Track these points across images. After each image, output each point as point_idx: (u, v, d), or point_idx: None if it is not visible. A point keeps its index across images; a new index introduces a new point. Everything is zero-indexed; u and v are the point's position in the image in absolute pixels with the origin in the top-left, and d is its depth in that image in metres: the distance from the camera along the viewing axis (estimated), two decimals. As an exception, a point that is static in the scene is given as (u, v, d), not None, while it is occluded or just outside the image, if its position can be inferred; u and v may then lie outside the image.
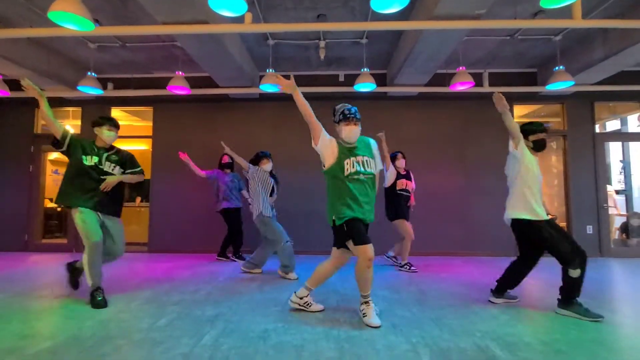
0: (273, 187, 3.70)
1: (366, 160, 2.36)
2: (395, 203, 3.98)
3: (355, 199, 2.28)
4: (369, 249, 2.19)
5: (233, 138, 5.35)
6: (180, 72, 4.28)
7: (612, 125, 6.28)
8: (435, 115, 5.31)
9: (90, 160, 2.66)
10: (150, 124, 5.51)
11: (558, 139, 5.48)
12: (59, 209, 6.67)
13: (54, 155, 7.43)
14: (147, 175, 5.81)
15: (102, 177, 2.68)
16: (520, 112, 5.72)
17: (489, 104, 5.60)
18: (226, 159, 4.54)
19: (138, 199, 6.77)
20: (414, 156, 5.17)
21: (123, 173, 2.81)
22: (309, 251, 4.91)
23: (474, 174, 5.20)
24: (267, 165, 3.65)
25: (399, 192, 3.98)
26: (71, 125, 5.83)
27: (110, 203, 2.75)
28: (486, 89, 4.73)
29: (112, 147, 2.85)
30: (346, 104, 2.40)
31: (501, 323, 2.27)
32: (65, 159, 2.73)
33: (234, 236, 4.56)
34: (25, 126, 5.55)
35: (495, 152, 5.17)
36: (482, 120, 5.27)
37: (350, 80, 5.04)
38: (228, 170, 4.58)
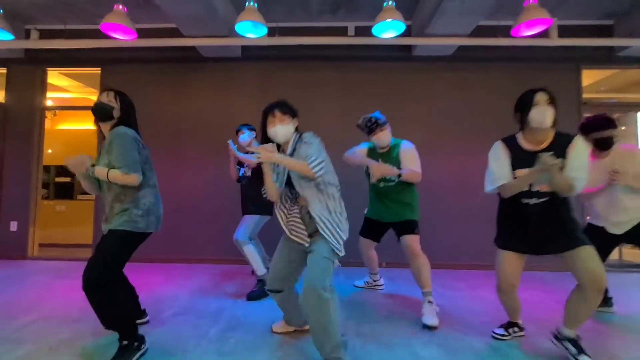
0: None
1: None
2: None
3: (376, 199, 2.49)
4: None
5: (209, 110, 4.07)
6: (120, 6, 2.93)
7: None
8: (474, 82, 3.98)
9: None
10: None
11: (633, 116, 4.18)
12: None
13: None
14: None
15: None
16: (585, 81, 4.36)
17: (549, 68, 4.08)
18: None
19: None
20: (444, 135, 3.91)
21: None
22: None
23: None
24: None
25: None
26: None
27: None
28: (555, 41, 3.40)
29: None
30: (365, 116, 2.32)
31: None
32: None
33: None
34: None
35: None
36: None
37: (363, 35, 3.76)
38: None
